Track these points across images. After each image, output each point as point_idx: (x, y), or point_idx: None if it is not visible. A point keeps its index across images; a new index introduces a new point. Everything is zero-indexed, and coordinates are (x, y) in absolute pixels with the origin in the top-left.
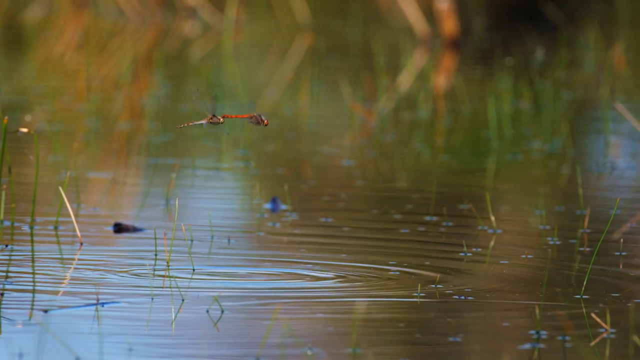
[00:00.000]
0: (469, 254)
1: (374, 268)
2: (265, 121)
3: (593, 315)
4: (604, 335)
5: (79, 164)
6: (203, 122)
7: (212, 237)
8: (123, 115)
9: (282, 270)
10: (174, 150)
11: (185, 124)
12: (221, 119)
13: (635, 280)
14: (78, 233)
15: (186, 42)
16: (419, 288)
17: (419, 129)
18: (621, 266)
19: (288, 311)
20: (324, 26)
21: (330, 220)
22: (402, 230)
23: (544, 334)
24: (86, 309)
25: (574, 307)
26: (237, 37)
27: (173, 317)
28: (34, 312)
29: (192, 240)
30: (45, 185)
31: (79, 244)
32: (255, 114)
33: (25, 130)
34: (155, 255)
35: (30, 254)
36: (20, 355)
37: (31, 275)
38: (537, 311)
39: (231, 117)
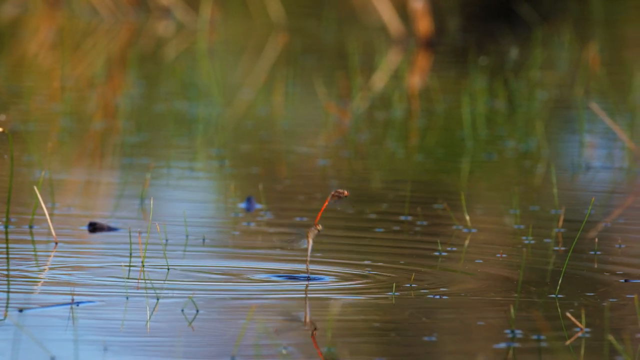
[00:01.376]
0: (443, 253)
1: (349, 267)
2: (346, 192)
3: (568, 314)
4: (579, 334)
5: (53, 164)
6: (310, 242)
7: (187, 236)
8: (97, 114)
9: (257, 270)
10: (149, 149)
11: (308, 261)
12: (319, 227)
13: (610, 280)
14: (53, 232)
15: (160, 41)
16: (393, 287)
17: (394, 129)
18: (596, 265)
19: (263, 310)
20: (299, 26)
21: (305, 219)
22: (377, 230)
23: (518, 333)
24: (61, 309)
25: (549, 307)
26: (212, 36)
27: (148, 317)
28: (9, 311)
29: (166, 240)
30: (20, 184)
31: (54, 244)
32: (332, 193)
33: None
34: (130, 254)
35: (5, 253)
36: None
37: (6, 275)
38: (512, 310)
39: (319, 217)
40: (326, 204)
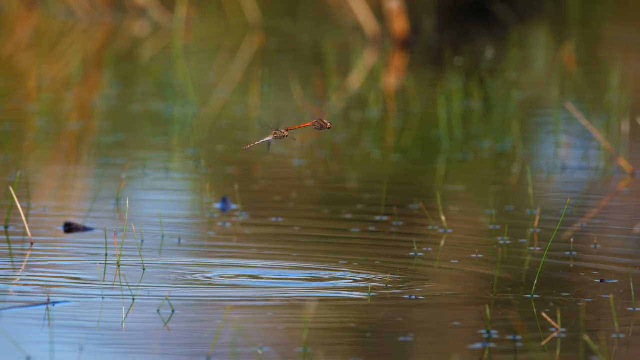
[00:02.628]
0: (419, 254)
1: (325, 268)
2: (329, 124)
3: (544, 314)
4: (555, 334)
5: (29, 164)
6: (269, 138)
7: (163, 236)
8: (73, 115)
9: (232, 270)
10: (124, 149)
11: (252, 144)
12: (285, 132)
13: (585, 280)
14: (29, 232)
15: (136, 41)
16: (369, 288)
17: (370, 129)
18: (572, 265)
19: (239, 310)
20: (274, 26)
21: (280, 219)
22: (353, 230)
23: (494, 333)
24: (37, 309)
25: (524, 307)
26: (187, 36)
27: (124, 317)
28: None
29: (142, 240)
30: None
31: (29, 244)
32: (317, 119)
33: None
34: (106, 254)
35: None
36: None
37: None
38: (487, 311)
39: (294, 128)
40: (306, 125)
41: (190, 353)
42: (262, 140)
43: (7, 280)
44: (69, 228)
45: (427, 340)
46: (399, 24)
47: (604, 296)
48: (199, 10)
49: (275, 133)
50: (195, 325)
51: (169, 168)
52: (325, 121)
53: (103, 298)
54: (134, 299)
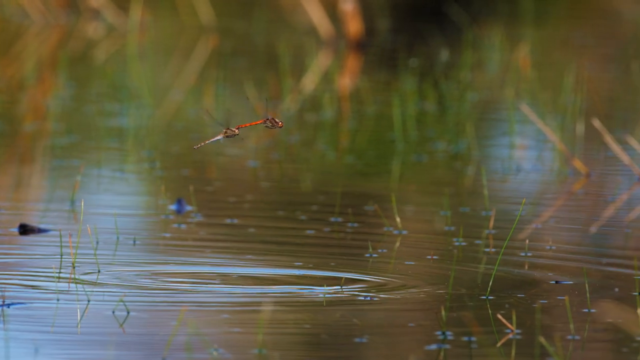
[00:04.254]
0: (374, 255)
1: (280, 269)
2: (280, 123)
3: (499, 316)
4: (510, 335)
5: None
6: (219, 137)
7: (118, 238)
8: (28, 116)
9: (187, 271)
10: (79, 151)
11: (202, 143)
12: (236, 131)
13: (540, 281)
14: None
15: (90, 43)
16: (324, 289)
17: (324, 130)
18: (526, 267)
19: (194, 312)
20: (229, 27)
21: (235, 221)
22: (308, 232)
23: (449, 334)
24: None
25: (479, 308)
26: (142, 38)
27: (79, 318)
28: None
29: (97, 242)
30: None
31: None
32: (268, 118)
33: None
34: (61, 256)
35: None
36: None
37: None
38: (442, 312)
39: (245, 126)
40: (257, 123)
41: (145, 354)
42: (212, 140)
43: None
44: (24, 230)
45: (382, 341)
46: (354, 26)
47: (559, 297)
48: (153, 12)
49: (226, 132)
50: (151, 327)
51: (123, 169)
52: (276, 120)
53: (58, 299)
54: (89, 301)
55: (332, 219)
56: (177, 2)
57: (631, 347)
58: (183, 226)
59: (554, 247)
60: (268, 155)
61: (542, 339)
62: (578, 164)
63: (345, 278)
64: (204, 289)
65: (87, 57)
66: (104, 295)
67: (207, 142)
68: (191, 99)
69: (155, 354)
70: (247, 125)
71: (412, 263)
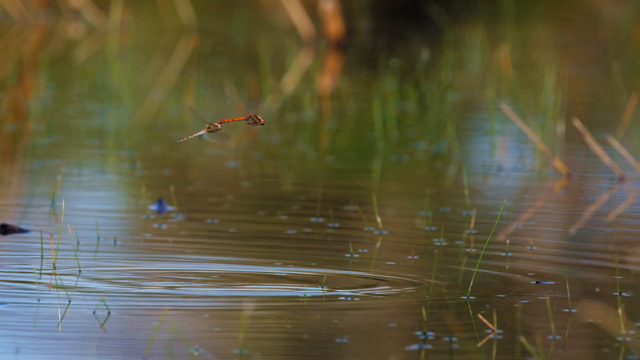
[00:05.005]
0: (355, 255)
1: (261, 269)
2: (262, 120)
3: (480, 316)
4: (491, 336)
5: None
6: (202, 132)
7: (98, 238)
8: (8, 117)
9: (168, 272)
10: (60, 151)
11: (185, 138)
12: (219, 125)
13: (521, 281)
14: None
15: (71, 43)
16: (305, 289)
17: (304, 130)
18: (507, 267)
19: (175, 312)
20: (209, 27)
21: (216, 221)
22: (289, 232)
23: (430, 334)
24: None
25: (460, 308)
26: (122, 38)
27: (60, 318)
28: None
29: (78, 242)
30: None
31: None
32: (251, 115)
33: None
34: (42, 256)
35: None
36: None
37: None
38: (423, 312)
39: (228, 121)
40: (240, 119)
41: (126, 354)
42: (195, 135)
43: None
44: (5, 230)
45: (363, 342)
46: (334, 26)
47: (540, 297)
48: (133, 12)
49: (209, 127)
50: (132, 327)
51: (104, 170)
52: (259, 117)
53: (39, 300)
54: (69, 301)
55: (313, 219)
56: (158, 2)
57: (612, 346)
58: (164, 226)
59: (534, 247)
60: (249, 155)
61: (523, 339)
62: (559, 164)
63: (326, 278)
64: (185, 289)
65: (67, 57)
66: (84, 295)
67: (190, 137)
68: (172, 99)
69: (136, 354)
70: (230, 120)
71: (393, 263)
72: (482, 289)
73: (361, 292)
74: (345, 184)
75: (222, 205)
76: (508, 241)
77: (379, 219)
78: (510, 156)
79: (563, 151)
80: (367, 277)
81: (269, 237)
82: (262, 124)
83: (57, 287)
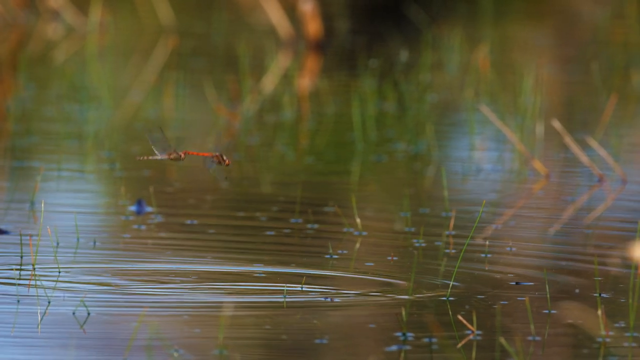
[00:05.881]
0: (334, 256)
1: (240, 270)
2: (227, 161)
3: (459, 317)
4: (471, 336)
5: None
6: (164, 157)
7: (78, 239)
8: None
9: (148, 272)
10: (39, 152)
11: (146, 157)
12: (182, 155)
13: (500, 282)
14: None
15: (50, 44)
16: (285, 290)
17: (284, 131)
18: (487, 268)
19: (154, 313)
20: (188, 28)
21: (195, 222)
22: (268, 233)
23: (410, 335)
24: None
25: (440, 309)
26: (101, 39)
27: (39, 319)
28: None
29: (57, 243)
30: None
31: None
32: (217, 153)
33: None
34: (21, 257)
35: None
36: None
37: None
38: (403, 313)
39: (192, 154)
40: (205, 154)
41: (106, 355)
42: (156, 157)
43: None
44: None
45: (342, 343)
46: (313, 26)
47: (519, 298)
48: (112, 12)
49: (170, 154)
50: (111, 328)
51: (83, 170)
52: (224, 157)
53: (18, 301)
54: (49, 302)
55: (292, 220)
56: (137, 3)
57: (591, 347)
58: (143, 227)
59: (514, 248)
60: (228, 156)
61: (502, 340)
62: (538, 164)
63: (306, 279)
64: (165, 290)
65: (46, 58)
66: (64, 296)
67: (150, 157)
68: (151, 100)
69: (116, 355)
70: (195, 154)
71: (373, 264)
72: (461, 289)
73: (340, 292)
74: (325, 184)
75: (201, 206)
76: (487, 242)
77: (358, 220)
78: (489, 157)
79: (542, 152)
80: (347, 278)
81: (248, 238)
82: (227, 165)
83: (36, 287)
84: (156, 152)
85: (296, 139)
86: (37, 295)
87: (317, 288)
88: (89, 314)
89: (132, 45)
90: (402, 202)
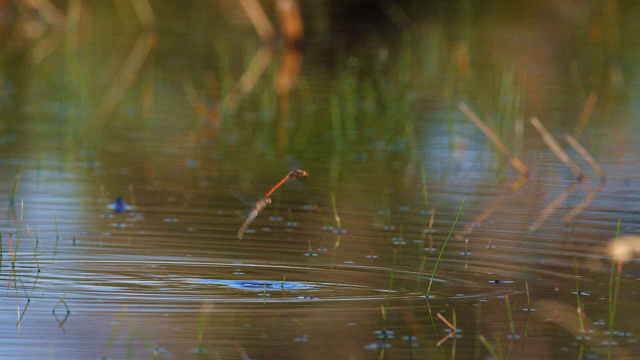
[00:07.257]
0: (314, 255)
1: (220, 268)
2: (305, 173)
3: (439, 315)
4: (450, 335)
5: None
6: (255, 213)
7: (57, 237)
8: None
9: (127, 271)
10: (18, 151)
11: (243, 230)
12: (268, 200)
13: (480, 281)
14: None
15: (29, 43)
16: (264, 288)
17: (263, 130)
18: (466, 266)
19: (134, 311)
20: (167, 27)
21: (175, 220)
22: (248, 231)
23: (390, 334)
24: None
25: (419, 307)
26: (80, 38)
27: (19, 318)
28: None
29: (37, 241)
30: None
31: None
32: (291, 172)
33: None
34: (0, 256)
35: None
36: None
37: None
38: (383, 311)
39: (273, 191)
40: (283, 181)
41: (86, 353)
42: (250, 217)
43: None
44: None
45: (322, 341)
46: (292, 25)
47: (499, 297)
48: (91, 11)
49: (256, 206)
50: (91, 326)
51: (63, 169)
52: (299, 171)
53: None
54: (29, 300)
55: (272, 219)
56: (116, 2)
57: (571, 346)
58: (122, 225)
59: (493, 247)
60: (207, 155)
61: (482, 338)
62: (517, 163)
63: (286, 277)
64: (144, 289)
65: (25, 57)
66: (43, 295)
67: (245, 224)
68: (130, 99)
69: (96, 354)
70: (274, 189)
71: (352, 262)
72: (441, 288)
73: (320, 291)
74: (304, 183)
75: (180, 204)
76: (467, 240)
77: (337, 218)
78: (469, 155)
79: (521, 150)
80: (326, 276)
81: (227, 237)
82: (305, 177)
83: (16, 286)
84: (250, 213)
85: (275, 138)
86: (17, 294)
87: (296, 286)
88: (68, 312)
89: (111, 44)
90: (382, 200)
